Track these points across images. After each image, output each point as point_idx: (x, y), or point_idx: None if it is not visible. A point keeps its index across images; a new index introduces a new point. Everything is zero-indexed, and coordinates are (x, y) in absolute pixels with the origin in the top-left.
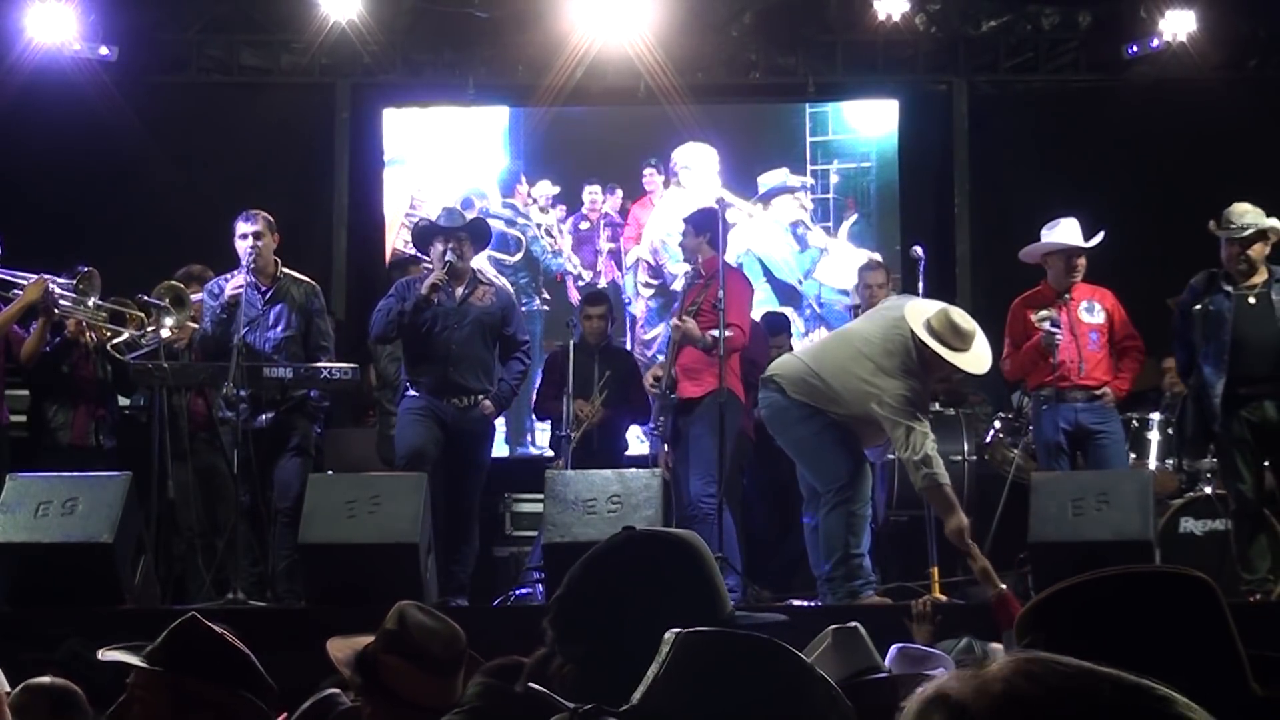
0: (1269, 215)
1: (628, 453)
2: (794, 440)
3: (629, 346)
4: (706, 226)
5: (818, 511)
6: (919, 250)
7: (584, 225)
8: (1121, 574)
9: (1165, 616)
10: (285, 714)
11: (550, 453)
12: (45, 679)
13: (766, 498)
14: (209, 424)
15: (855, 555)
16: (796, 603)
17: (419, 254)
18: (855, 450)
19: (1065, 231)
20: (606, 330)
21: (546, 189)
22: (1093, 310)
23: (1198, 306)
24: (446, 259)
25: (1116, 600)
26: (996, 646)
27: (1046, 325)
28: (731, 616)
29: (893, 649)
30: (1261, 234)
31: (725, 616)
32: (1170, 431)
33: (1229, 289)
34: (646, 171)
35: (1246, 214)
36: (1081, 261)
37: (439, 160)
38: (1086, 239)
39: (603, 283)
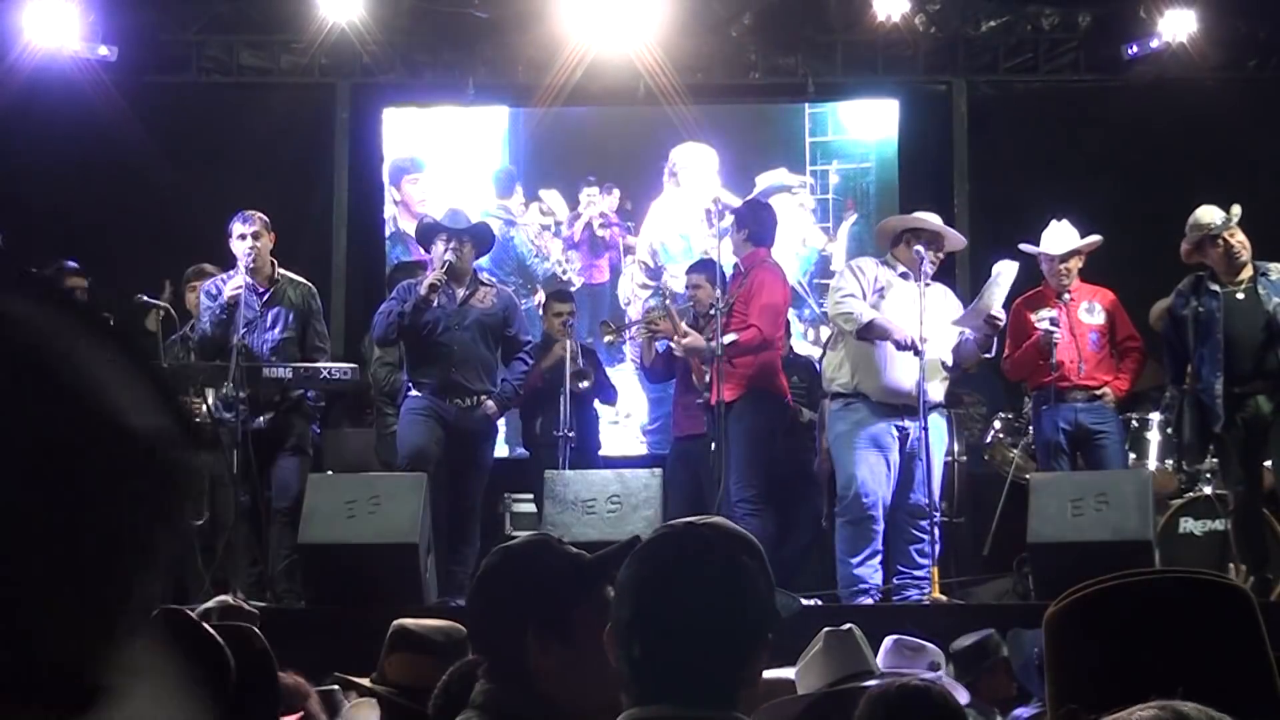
0: (1225, 210)
1: (601, 452)
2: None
3: (624, 347)
4: (748, 222)
5: None
6: (921, 250)
7: (578, 224)
8: (1154, 578)
9: (1200, 625)
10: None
11: (525, 453)
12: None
13: (766, 500)
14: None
15: (846, 563)
16: None
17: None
18: (857, 461)
19: (1051, 239)
20: (572, 327)
21: (556, 200)
22: (1093, 311)
23: (1187, 310)
24: (446, 259)
25: (1152, 606)
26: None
27: (1045, 325)
28: None
29: (887, 640)
30: (1225, 226)
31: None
32: (1170, 432)
33: (1216, 288)
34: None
35: (1206, 213)
36: (1068, 265)
37: (438, 160)
38: (1083, 238)
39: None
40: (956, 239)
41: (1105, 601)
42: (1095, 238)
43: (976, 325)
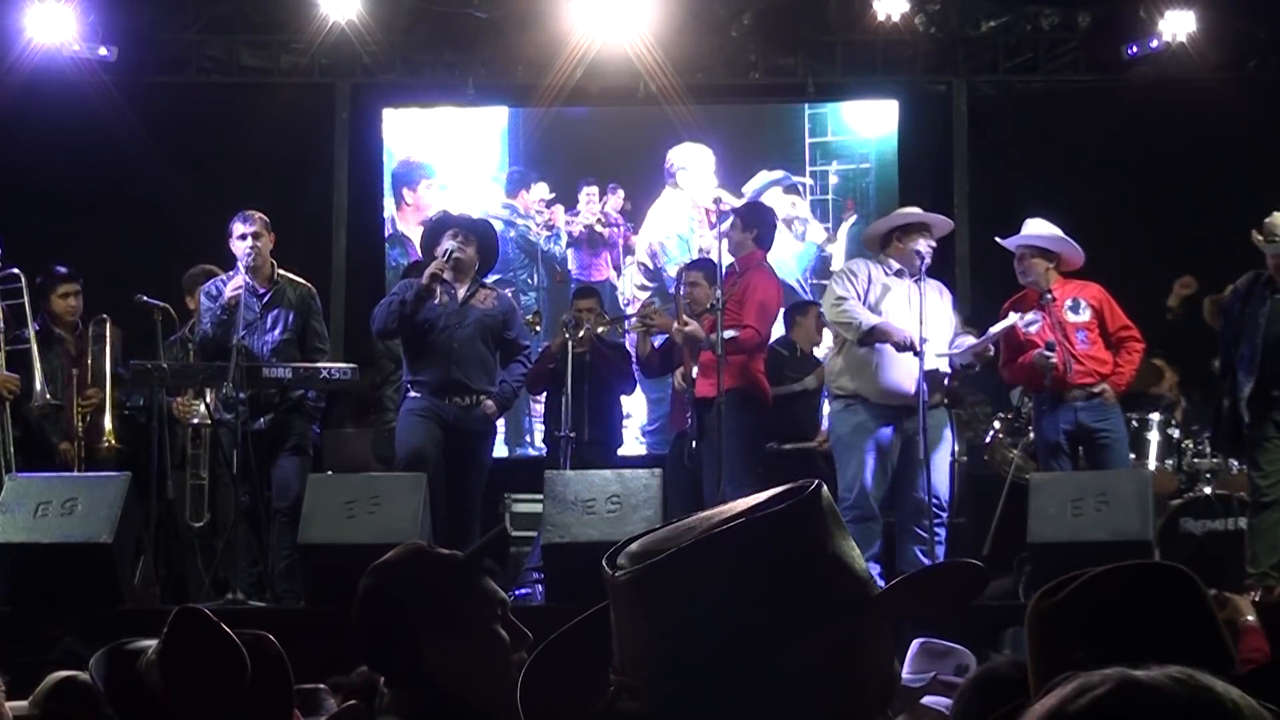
0: None
1: (621, 451)
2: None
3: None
4: (754, 223)
5: None
6: (920, 247)
7: (577, 220)
8: (1114, 571)
9: (1159, 607)
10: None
11: (545, 449)
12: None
13: None
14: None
15: None
16: None
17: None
18: (857, 463)
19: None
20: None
21: (542, 193)
22: (1078, 308)
23: (1234, 310)
24: (451, 251)
25: (1120, 597)
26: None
27: (1041, 351)
28: None
29: (914, 643)
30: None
31: None
32: (1169, 432)
33: (1267, 293)
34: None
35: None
36: (1034, 262)
37: (446, 164)
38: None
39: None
40: (943, 223)
41: (1077, 597)
42: (1060, 243)
43: (967, 360)
